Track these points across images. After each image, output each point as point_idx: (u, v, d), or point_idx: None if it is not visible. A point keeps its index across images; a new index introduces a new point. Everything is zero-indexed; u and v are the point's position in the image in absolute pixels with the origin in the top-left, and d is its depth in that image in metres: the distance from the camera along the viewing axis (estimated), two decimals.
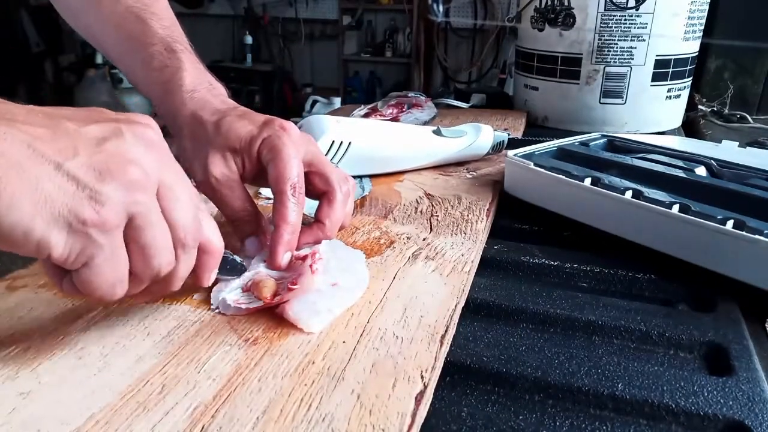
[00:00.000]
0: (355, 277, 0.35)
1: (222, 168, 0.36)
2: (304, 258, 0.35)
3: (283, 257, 0.35)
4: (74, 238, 0.23)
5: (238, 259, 0.34)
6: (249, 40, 3.57)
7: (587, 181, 0.45)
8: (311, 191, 0.39)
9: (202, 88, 0.40)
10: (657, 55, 0.74)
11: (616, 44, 0.74)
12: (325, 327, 0.31)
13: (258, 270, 0.35)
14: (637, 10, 0.72)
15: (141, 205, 0.24)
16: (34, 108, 0.24)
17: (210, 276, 0.30)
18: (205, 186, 0.36)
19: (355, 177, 0.55)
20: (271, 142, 0.36)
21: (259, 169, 0.37)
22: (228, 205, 0.36)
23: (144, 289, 0.27)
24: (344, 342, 0.29)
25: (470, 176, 0.57)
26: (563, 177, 0.46)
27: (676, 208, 0.39)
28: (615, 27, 0.73)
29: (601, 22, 0.74)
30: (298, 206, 0.35)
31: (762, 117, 0.91)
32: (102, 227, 0.23)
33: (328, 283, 0.33)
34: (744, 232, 0.36)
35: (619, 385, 0.28)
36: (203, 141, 0.37)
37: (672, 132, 0.80)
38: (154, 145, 0.26)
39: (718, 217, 0.37)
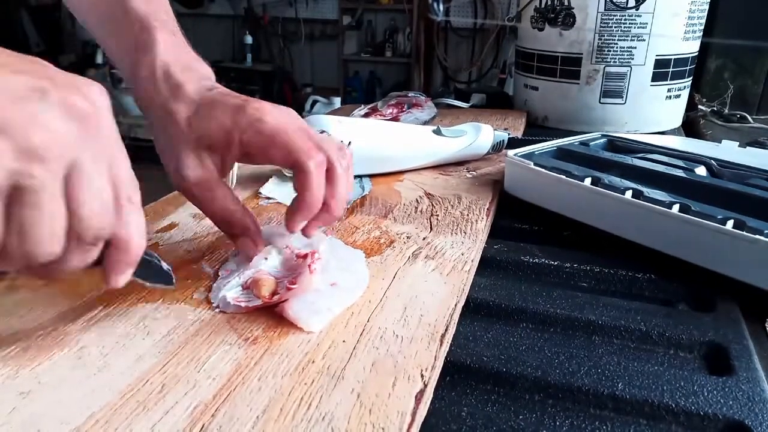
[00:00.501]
0: (355, 276, 0.35)
1: (196, 170, 0.33)
2: (304, 257, 0.35)
3: (298, 223, 0.33)
4: None
5: (165, 266, 0.31)
6: (249, 40, 3.57)
7: (587, 181, 0.45)
8: None
9: (176, 71, 0.34)
10: (657, 55, 0.74)
11: (616, 44, 0.74)
12: (324, 326, 0.31)
13: (258, 268, 0.35)
14: (637, 9, 0.72)
15: (32, 179, 0.21)
16: None
17: (120, 278, 0.26)
18: (182, 189, 0.34)
19: (355, 177, 0.55)
20: (257, 127, 0.32)
21: (243, 154, 0.33)
22: (209, 207, 0.34)
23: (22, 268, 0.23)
24: (344, 341, 0.29)
25: (470, 176, 0.57)
26: (563, 177, 0.46)
27: (676, 208, 0.39)
28: (615, 27, 0.73)
29: (601, 22, 0.74)
30: (319, 170, 0.32)
31: (762, 117, 0.91)
32: None
33: (327, 282, 0.33)
34: (744, 232, 0.36)
35: (619, 385, 0.28)
36: (175, 138, 0.33)
37: (672, 132, 0.80)
38: (82, 118, 0.22)
39: (718, 216, 0.37)
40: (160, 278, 0.31)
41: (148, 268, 0.30)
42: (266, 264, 0.35)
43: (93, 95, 0.23)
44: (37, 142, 0.20)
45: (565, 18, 0.76)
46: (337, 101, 3.07)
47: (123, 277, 0.26)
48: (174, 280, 0.32)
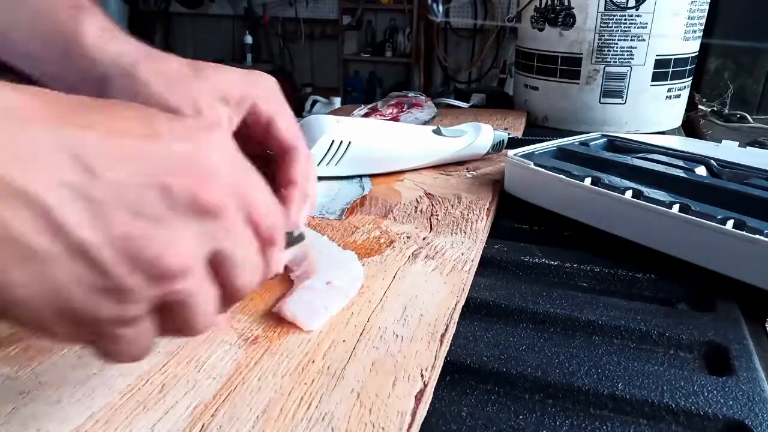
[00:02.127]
0: (350, 275, 0.35)
1: None
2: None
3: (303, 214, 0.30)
4: (84, 333, 0.18)
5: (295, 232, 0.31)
6: (249, 39, 3.57)
7: (587, 181, 0.45)
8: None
9: None
10: (657, 55, 0.74)
11: (616, 44, 0.74)
12: (323, 325, 0.31)
13: None
14: (637, 9, 0.72)
15: (178, 294, 0.19)
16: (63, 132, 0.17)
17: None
18: None
19: (355, 177, 0.55)
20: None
21: None
22: None
23: None
24: (344, 341, 0.29)
25: (470, 176, 0.57)
26: (563, 177, 0.46)
27: (676, 208, 0.39)
28: (615, 27, 0.73)
29: (601, 22, 0.74)
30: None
31: (762, 117, 0.91)
32: (118, 324, 0.18)
33: (322, 281, 0.33)
34: (744, 232, 0.36)
35: (619, 385, 0.28)
36: None
37: (672, 132, 0.80)
38: (211, 212, 0.19)
39: (718, 216, 0.37)
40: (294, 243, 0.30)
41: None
42: None
43: (222, 160, 0.20)
44: (173, 265, 0.18)
45: (565, 18, 0.76)
46: (337, 101, 3.07)
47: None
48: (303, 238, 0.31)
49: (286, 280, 0.35)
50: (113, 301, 0.18)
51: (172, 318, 0.20)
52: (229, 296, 0.22)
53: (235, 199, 0.20)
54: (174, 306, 0.19)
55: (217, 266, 0.20)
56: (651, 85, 0.76)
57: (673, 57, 0.75)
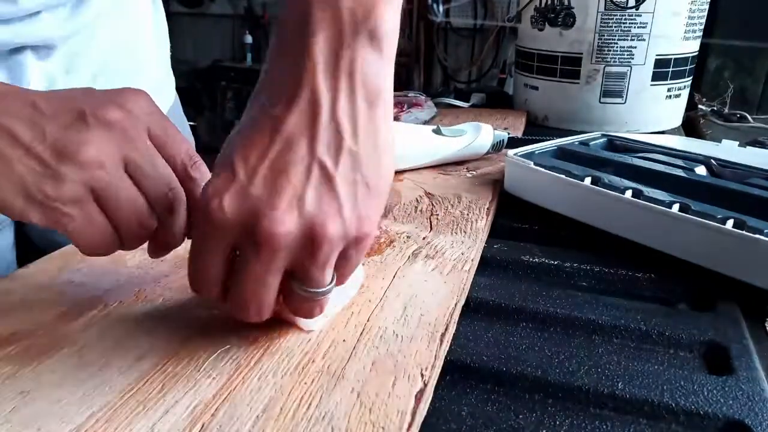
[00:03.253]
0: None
1: None
2: None
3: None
4: (46, 210, 0.27)
5: None
6: (249, 39, 3.57)
7: (587, 181, 0.45)
8: None
9: None
10: (657, 55, 0.74)
11: (616, 44, 0.74)
12: (322, 326, 0.31)
13: None
14: (637, 9, 0.72)
15: (100, 181, 0.27)
16: (30, 96, 0.27)
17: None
18: None
19: None
20: None
21: None
22: None
23: (152, 242, 0.30)
24: (344, 340, 0.29)
25: (470, 175, 0.57)
26: (563, 176, 0.46)
27: (676, 208, 0.39)
28: (615, 27, 0.73)
29: (601, 22, 0.74)
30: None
31: (762, 116, 0.91)
32: (63, 201, 0.26)
33: None
34: (744, 232, 0.36)
35: (619, 384, 0.28)
36: None
37: (672, 131, 0.80)
38: (115, 126, 0.28)
39: (718, 216, 0.37)
40: None
41: None
42: None
43: (127, 103, 0.28)
44: (88, 155, 0.27)
45: (565, 18, 0.76)
46: None
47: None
48: None
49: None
50: (54, 183, 0.26)
51: (110, 207, 0.28)
52: (154, 202, 0.29)
53: (140, 121, 0.28)
54: (102, 195, 0.27)
55: (132, 173, 0.28)
56: (651, 85, 0.76)
57: (673, 57, 0.75)
